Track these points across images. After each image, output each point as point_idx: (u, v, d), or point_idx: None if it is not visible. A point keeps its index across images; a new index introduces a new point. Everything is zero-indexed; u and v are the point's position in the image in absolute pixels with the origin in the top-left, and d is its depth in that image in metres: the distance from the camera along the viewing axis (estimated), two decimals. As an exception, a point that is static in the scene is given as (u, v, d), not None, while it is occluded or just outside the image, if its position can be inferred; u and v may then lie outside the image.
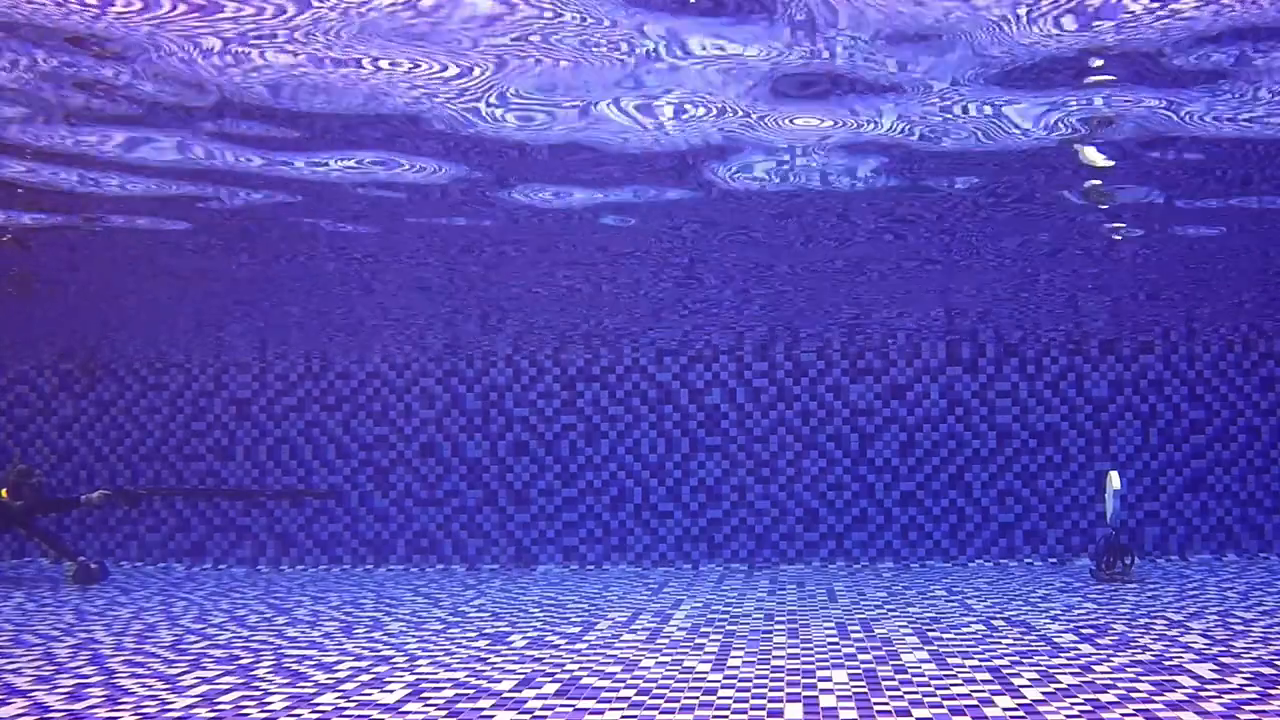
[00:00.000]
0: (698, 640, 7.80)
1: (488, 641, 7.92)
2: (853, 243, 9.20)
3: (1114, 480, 10.76)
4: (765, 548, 13.30)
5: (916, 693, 5.98)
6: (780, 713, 5.65)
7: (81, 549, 13.71)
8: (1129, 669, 6.48)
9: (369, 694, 6.19)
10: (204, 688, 6.41)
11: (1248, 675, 6.22)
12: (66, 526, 13.86)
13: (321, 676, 6.72)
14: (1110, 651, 7.04)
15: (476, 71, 5.55)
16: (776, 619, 8.80)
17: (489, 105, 6.02)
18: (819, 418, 13.45)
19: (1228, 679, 6.13)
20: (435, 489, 13.68)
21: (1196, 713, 5.41)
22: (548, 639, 7.98)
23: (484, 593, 10.90)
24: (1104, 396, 13.23)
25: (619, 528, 13.49)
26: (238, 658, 7.38)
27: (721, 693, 6.09)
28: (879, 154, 6.96)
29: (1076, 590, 10.18)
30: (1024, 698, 5.80)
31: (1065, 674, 6.38)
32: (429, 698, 6.09)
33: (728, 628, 8.36)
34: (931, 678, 6.37)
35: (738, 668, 6.79)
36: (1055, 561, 12.90)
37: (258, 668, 7.02)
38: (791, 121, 6.31)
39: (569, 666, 6.91)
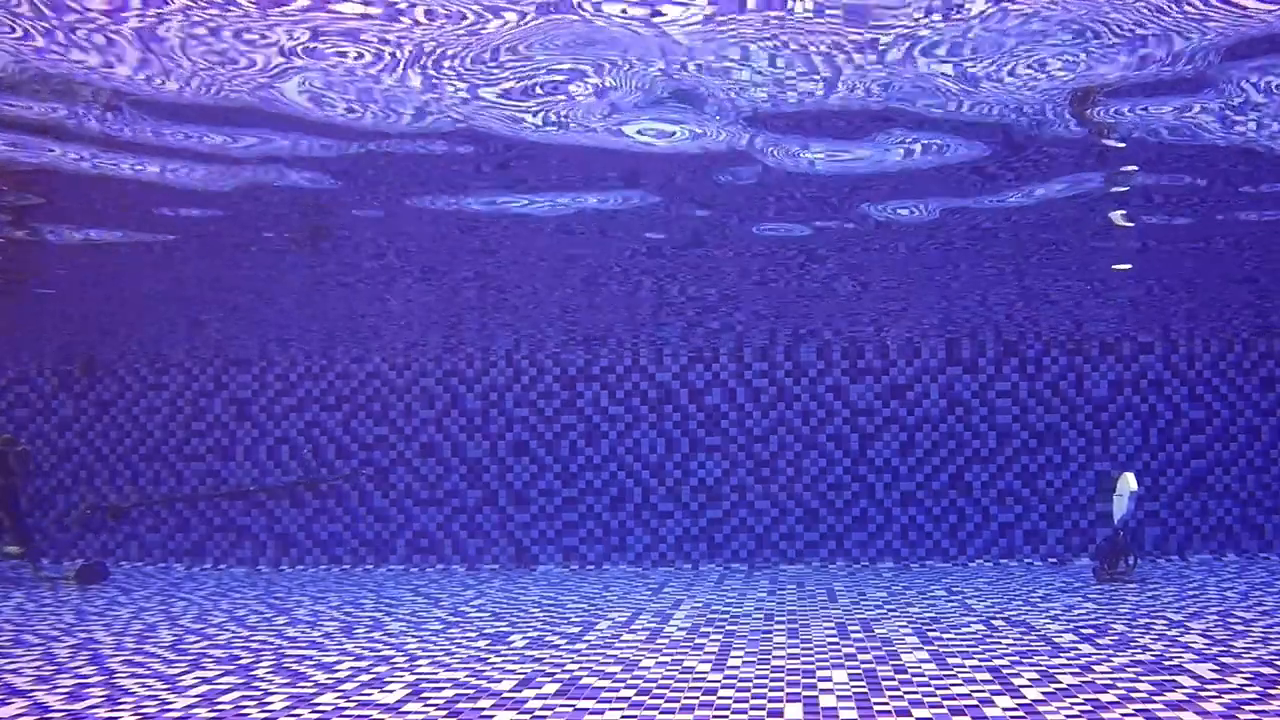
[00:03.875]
0: (698, 640, 7.80)
1: (488, 641, 7.92)
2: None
3: (1130, 482, 10.75)
4: (765, 548, 13.30)
5: (916, 693, 5.99)
6: (780, 713, 5.65)
7: (82, 549, 13.75)
8: (1129, 669, 6.48)
9: (369, 694, 6.19)
10: (204, 688, 6.41)
11: (1248, 675, 6.22)
12: (65, 526, 13.86)
13: (321, 676, 6.72)
14: (1110, 651, 7.04)
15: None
16: (776, 619, 8.80)
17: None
18: (819, 418, 13.45)
19: (1228, 679, 6.14)
20: (435, 489, 13.68)
21: (1196, 713, 5.41)
22: (548, 639, 7.98)
23: (484, 593, 10.90)
24: (1104, 396, 13.23)
25: (619, 528, 13.49)
26: (238, 658, 7.38)
27: (721, 693, 6.09)
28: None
29: (1076, 590, 10.18)
30: (1024, 698, 5.80)
31: (1065, 674, 6.38)
32: (429, 698, 6.09)
33: (728, 628, 8.36)
34: (931, 678, 6.37)
35: (738, 668, 6.79)
36: (1055, 561, 12.90)
37: (258, 668, 7.02)
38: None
39: (569, 666, 6.91)
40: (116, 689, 6.40)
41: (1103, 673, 6.39)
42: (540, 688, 6.30)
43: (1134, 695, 5.80)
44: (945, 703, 5.74)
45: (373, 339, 13.24)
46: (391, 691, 6.25)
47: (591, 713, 5.67)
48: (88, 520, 13.12)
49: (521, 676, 6.64)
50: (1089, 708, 5.54)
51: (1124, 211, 8.17)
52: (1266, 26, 4.90)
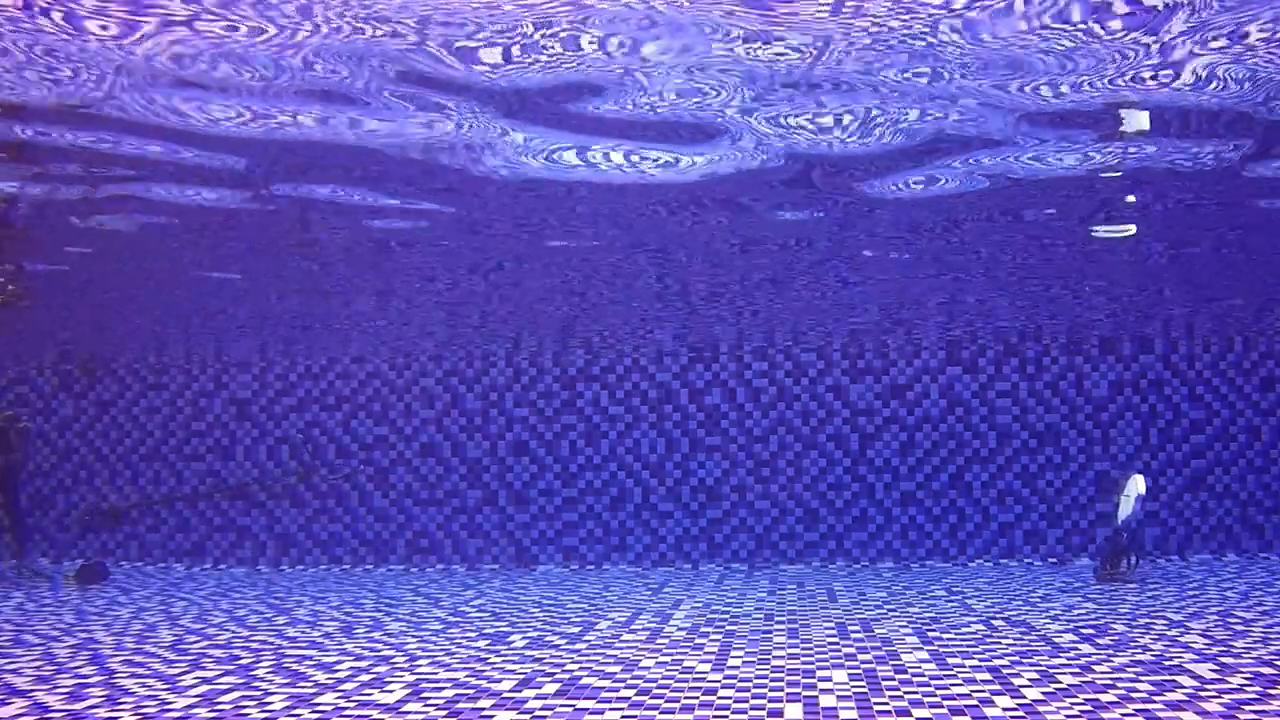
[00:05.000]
0: (698, 640, 7.80)
1: (488, 641, 7.92)
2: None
3: (1139, 484, 10.79)
4: (765, 548, 13.30)
5: (916, 693, 5.98)
6: (780, 713, 5.64)
7: (82, 549, 13.75)
8: (1129, 669, 6.48)
9: (369, 694, 6.19)
10: (204, 688, 6.41)
11: (1248, 675, 6.22)
12: (66, 527, 13.87)
13: (321, 676, 6.71)
14: (1110, 651, 7.04)
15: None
16: (776, 619, 8.80)
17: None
18: (819, 418, 13.44)
19: (1228, 679, 6.13)
20: (435, 489, 13.68)
21: (1196, 713, 5.41)
22: (548, 639, 7.97)
23: (484, 593, 10.90)
24: (1104, 396, 13.23)
25: (619, 528, 13.49)
26: (238, 658, 7.38)
27: (721, 693, 6.09)
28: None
29: (1076, 590, 10.18)
30: (1024, 698, 5.80)
31: (1065, 674, 6.38)
32: (429, 698, 6.09)
33: (728, 628, 8.36)
34: (931, 678, 6.37)
35: (738, 668, 6.79)
36: (1055, 561, 12.90)
37: (258, 668, 7.02)
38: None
39: (569, 666, 6.91)
40: (116, 689, 6.40)
41: (1103, 673, 6.39)
42: (540, 688, 6.30)
43: (1134, 695, 5.80)
44: (945, 703, 5.74)
45: (375, 339, 13.25)
46: (391, 691, 6.25)
47: (591, 713, 5.67)
48: (88, 522, 13.13)
49: (521, 676, 6.63)
50: (1089, 708, 5.54)
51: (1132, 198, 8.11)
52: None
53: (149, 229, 8.66)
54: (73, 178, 7.40)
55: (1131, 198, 8.10)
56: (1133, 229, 8.80)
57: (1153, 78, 5.58)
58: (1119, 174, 7.37)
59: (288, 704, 5.96)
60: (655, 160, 7.00)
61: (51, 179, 7.44)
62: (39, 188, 7.60)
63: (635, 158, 6.96)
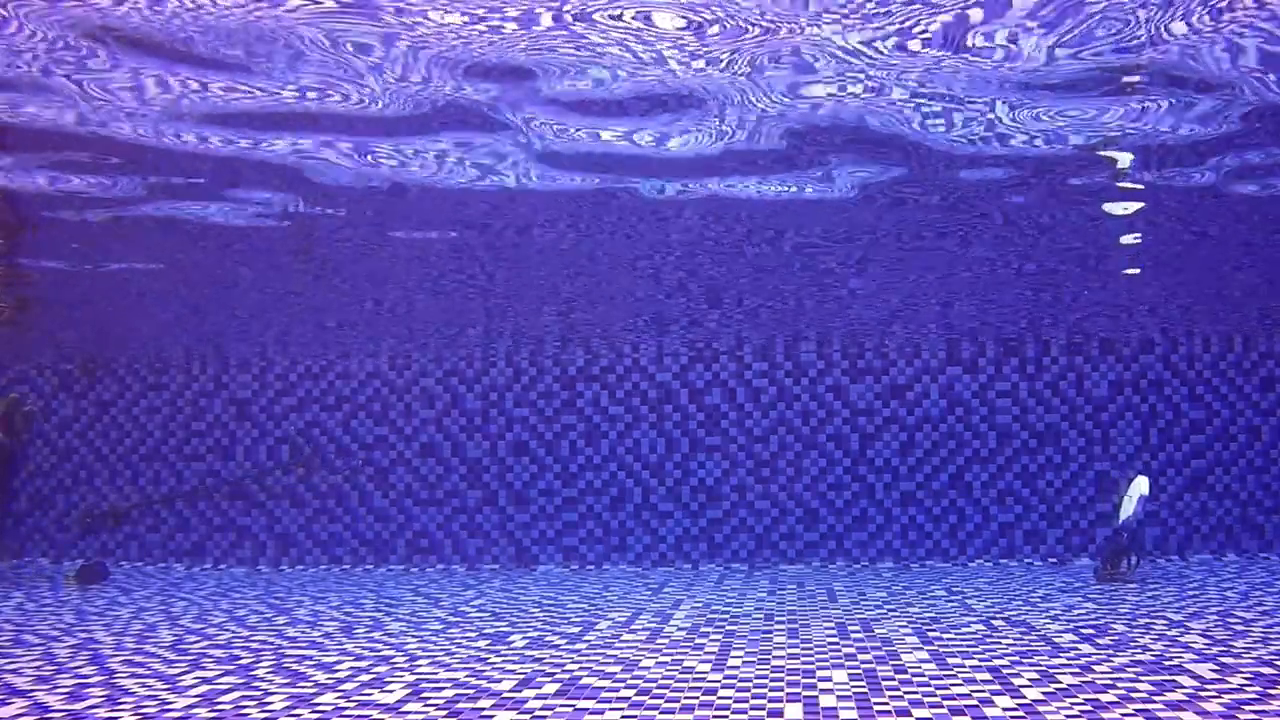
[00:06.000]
0: (698, 640, 7.80)
1: (488, 641, 7.92)
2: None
3: (1143, 485, 10.81)
4: (765, 548, 13.30)
5: (916, 693, 5.98)
6: (780, 713, 5.64)
7: (82, 549, 13.75)
8: (1129, 669, 6.48)
9: (369, 694, 6.19)
10: (204, 688, 6.41)
11: (1248, 675, 6.22)
12: (66, 527, 13.87)
13: (321, 676, 6.72)
14: (1110, 651, 7.04)
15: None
16: (776, 619, 8.80)
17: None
18: (819, 418, 13.44)
19: (1228, 679, 6.14)
20: (435, 489, 13.68)
21: (1196, 713, 5.41)
22: (548, 639, 7.98)
23: (484, 593, 10.90)
24: (1104, 396, 13.23)
25: (619, 528, 13.49)
26: (238, 658, 7.38)
27: (721, 693, 6.09)
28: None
29: (1076, 590, 10.18)
30: (1024, 698, 5.80)
31: (1065, 674, 6.38)
32: (429, 698, 6.09)
33: (728, 628, 8.36)
34: (931, 678, 6.37)
35: (738, 668, 6.79)
36: (1055, 561, 12.90)
37: (258, 668, 7.02)
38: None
39: (569, 666, 6.91)
40: (116, 689, 6.40)
41: (1103, 673, 6.39)
42: (540, 688, 6.30)
43: (1134, 695, 5.80)
44: (945, 703, 5.74)
45: (377, 339, 13.24)
46: (391, 691, 6.25)
47: (591, 713, 5.67)
48: (88, 523, 13.13)
49: (521, 676, 6.64)
50: (1089, 708, 5.54)
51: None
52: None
53: (152, 226, 8.67)
54: (77, 172, 7.39)
55: (1133, 206, 8.12)
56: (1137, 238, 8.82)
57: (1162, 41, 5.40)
58: (1119, 159, 7.35)
59: (288, 704, 5.96)
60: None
61: (53, 175, 7.44)
62: (39, 184, 7.59)
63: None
